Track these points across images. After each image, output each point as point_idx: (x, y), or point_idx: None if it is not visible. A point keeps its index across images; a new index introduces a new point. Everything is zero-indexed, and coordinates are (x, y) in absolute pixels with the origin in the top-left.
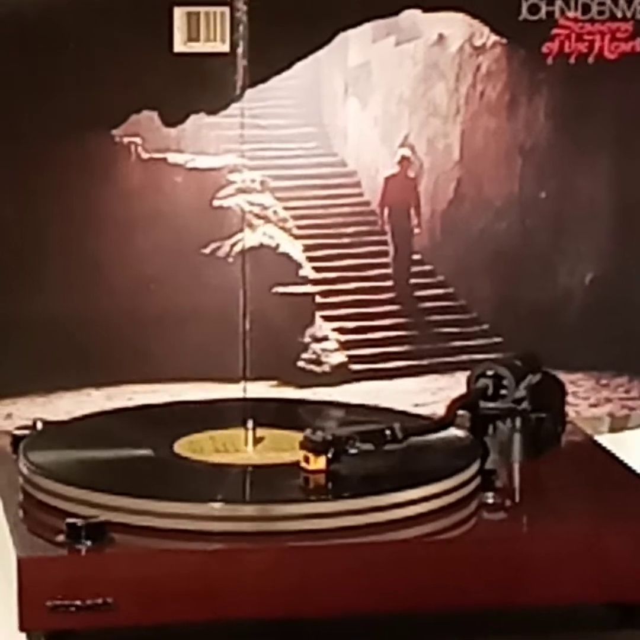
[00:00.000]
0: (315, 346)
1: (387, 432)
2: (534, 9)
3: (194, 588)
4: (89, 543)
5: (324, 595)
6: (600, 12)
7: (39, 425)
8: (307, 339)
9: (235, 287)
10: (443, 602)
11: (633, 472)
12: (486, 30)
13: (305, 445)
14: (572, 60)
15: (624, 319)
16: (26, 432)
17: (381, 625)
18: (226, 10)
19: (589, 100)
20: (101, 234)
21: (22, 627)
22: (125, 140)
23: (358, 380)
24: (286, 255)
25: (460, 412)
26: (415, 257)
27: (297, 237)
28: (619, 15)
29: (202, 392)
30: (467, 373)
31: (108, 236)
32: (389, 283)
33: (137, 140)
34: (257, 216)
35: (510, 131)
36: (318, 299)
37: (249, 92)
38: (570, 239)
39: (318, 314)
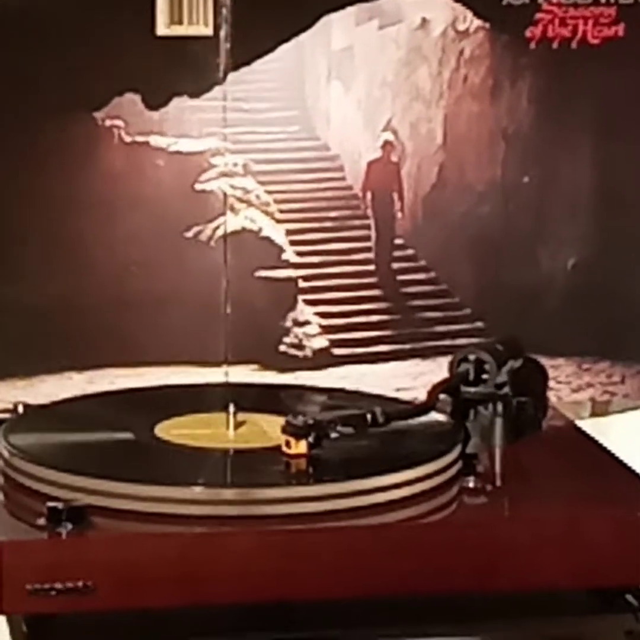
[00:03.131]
0: (297, 330)
1: (369, 416)
2: None
3: (175, 572)
4: (69, 526)
5: (305, 579)
6: None
7: (20, 409)
8: (289, 323)
9: (217, 271)
10: (424, 586)
11: (614, 457)
12: (469, 14)
13: (286, 429)
14: (555, 45)
15: (606, 304)
16: (7, 415)
17: (363, 609)
18: None
19: (572, 85)
20: (83, 218)
21: (1, 610)
22: (108, 123)
23: (340, 364)
24: (268, 239)
25: (442, 396)
26: (398, 241)
27: (279, 221)
28: (602, 0)
29: (183, 376)
30: (449, 358)
31: (90, 219)
32: (371, 267)
33: (120, 123)
34: (240, 200)
35: (493, 116)
36: (300, 283)
37: (232, 75)
38: (552, 223)
39: (300, 298)
